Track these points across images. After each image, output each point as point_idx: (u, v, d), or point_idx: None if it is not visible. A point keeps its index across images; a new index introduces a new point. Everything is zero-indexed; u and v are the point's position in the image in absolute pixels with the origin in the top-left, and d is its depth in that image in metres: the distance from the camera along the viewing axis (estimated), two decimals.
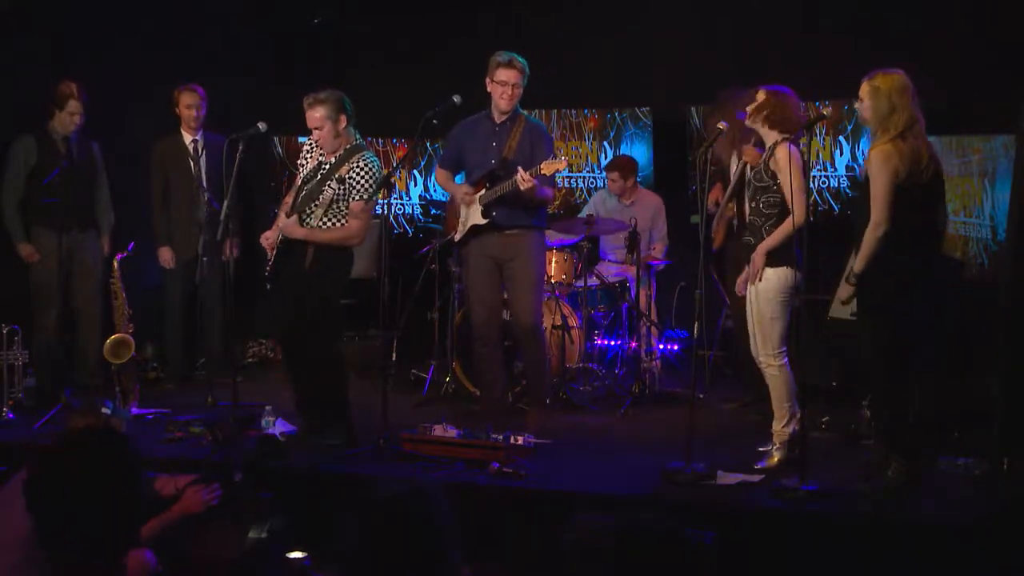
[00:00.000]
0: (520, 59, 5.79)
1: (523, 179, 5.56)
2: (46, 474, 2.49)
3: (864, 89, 4.72)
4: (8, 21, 6.96)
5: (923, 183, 4.62)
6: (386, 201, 5.48)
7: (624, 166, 7.39)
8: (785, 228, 4.98)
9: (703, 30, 7.94)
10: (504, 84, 5.76)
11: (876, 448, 5.12)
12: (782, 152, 4.99)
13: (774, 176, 5.03)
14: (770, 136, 5.10)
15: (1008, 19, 6.59)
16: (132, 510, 2.53)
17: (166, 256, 7.20)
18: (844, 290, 4.82)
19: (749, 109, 5.17)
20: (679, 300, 7.49)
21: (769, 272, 5.04)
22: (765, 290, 5.05)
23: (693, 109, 7.81)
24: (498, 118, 5.87)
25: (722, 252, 6.55)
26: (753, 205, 5.14)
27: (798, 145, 5.01)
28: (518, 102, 5.88)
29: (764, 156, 5.14)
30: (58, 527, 2.44)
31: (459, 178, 6.13)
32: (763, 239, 5.06)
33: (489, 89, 5.83)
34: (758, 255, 5.05)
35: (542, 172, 5.54)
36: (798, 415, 5.01)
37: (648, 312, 7.07)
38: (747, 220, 5.26)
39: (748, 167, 5.35)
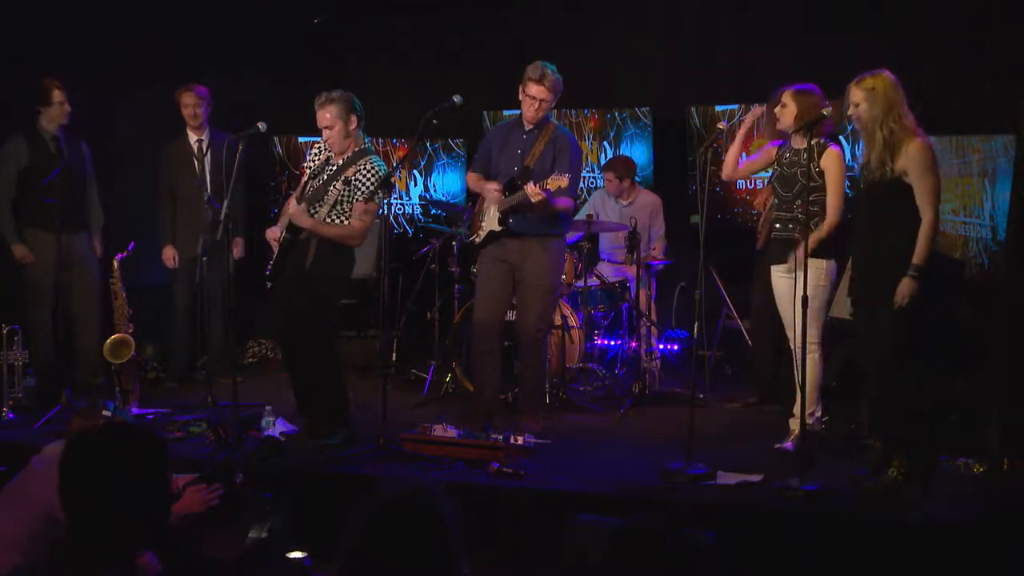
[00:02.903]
0: (554, 75, 5.69)
1: (532, 192, 5.55)
2: (81, 461, 2.49)
3: (857, 94, 4.73)
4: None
5: None
6: (386, 201, 5.49)
7: (620, 166, 7.38)
8: (822, 233, 5.16)
9: (703, 30, 7.95)
10: (532, 98, 5.71)
11: (876, 448, 5.13)
12: (833, 153, 5.18)
13: (822, 175, 5.17)
14: (799, 141, 5.14)
15: (1008, 19, 6.59)
16: (161, 510, 2.54)
17: (168, 255, 7.21)
18: (908, 286, 4.67)
19: (780, 114, 5.23)
20: (679, 300, 7.49)
21: (816, 263, 5.04)
22: (813, 283, 5.02)
23: (693, 109, 7.81)
24: (527, 125, 5.85)
25: (759, 254, 6.54)
26: (799, 203, 5.16)
27: (839, 143, 5.30)
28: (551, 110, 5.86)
29: (804, 156, 5.13)
30: (88, 519, 2.44)
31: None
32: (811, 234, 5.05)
33: (520, 97, 5.79)
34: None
35: (547, 187, 5.52)
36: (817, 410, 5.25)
37: (648, 312, 7.07)
38: (786, 216, 5.29)
39: (780, 164, 5.36)
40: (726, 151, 6.09)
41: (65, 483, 2.48)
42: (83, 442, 2.53)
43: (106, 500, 2.44)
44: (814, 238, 5.06)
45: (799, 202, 5.15)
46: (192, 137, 7.25)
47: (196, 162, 7.23)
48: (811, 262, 5.03)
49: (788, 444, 5.28)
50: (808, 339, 5.10)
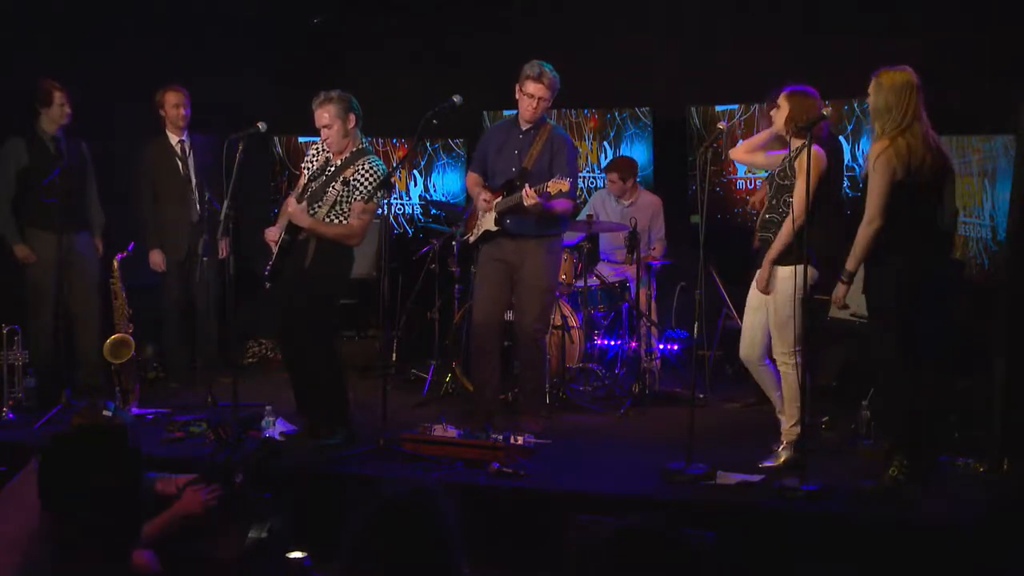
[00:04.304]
0: (551, 73, 5.70)
1: (527, 196, 5.55)
2: (54, 468, 2.50)
3: (871, 86, 4.72)
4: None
5: (922, 182, 4.62)
6: (386, 201, 5.49)
7: (623, 167, 7.39)
8: (784, 231, 4.99)
9: (703, 30, 7.94)
10: (531, 97, 5.70)
11: (877, 447, 5.13)
12: (811, 153, 4.94)
13: (796, 175, 5.03)
14: (796, 142, 5.10)
15: (1008, 19, 6.59)
16: (135, 506, 2.54)
17: (157, 259, 7.17)
18: (839, 290, 4.79)
19: (775, 116, 5.19)
20: (679, 300, 7.49)
21: (785, 271, 5.02)
22: (782, 289, 5.04)
23: (693, 109, 7.81)
24: (523, 126, 5.85)
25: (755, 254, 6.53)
26: (775, 203, 5.13)
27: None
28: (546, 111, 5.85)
29: (790, 155, 5.12)
30: (69, 522, 2.45)
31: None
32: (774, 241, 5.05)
33: (517, 97, 5.78)
34: (767, 264, 5.05)
35: (547, 191, 5.52)
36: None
37: (648, 312, 7.07)
38: (766, 218, 5.22)
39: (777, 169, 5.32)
40: (726, 151, 6.08)
41: (43, 486, 2.50)
42: (58, 446, 2.53)
43: (79, 503, 2.44)
44: (775, 245, 5.02)
45: (775, 201, 5.14)
46: (173, 138, 7.20)
47: (180, 163, 7.20)
48: (780, 270, 5.04)
49: (770, 461, 5.15)
50: (783, 351, 5.10)
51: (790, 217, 4.94)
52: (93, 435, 2.59)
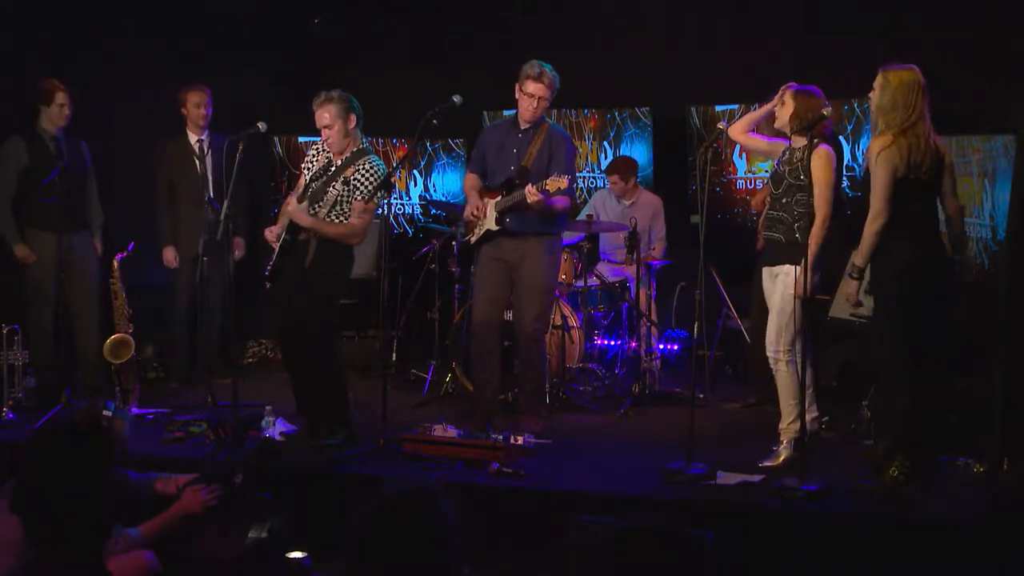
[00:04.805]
0: (551, 73, 5.71)
1: (530, 193, 5.55)
2: (24, 473, 2.50)
3: (877, 80, 4.72)
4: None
5: (921, 179, 4.64)
6: (386, 201, 5.49)
7: (623, 168, 7.39)
8: (815, 232, 4.96)
9: (703, 30, 7.95)
10: (531, 96, 5.71)
11: (877, 447, 5.13)
12: (822, 154, 4.99)
13: (809, 174, 4.99)
14: (798, 140, 5.10)
15: (1008, 19, 6.59)
16: (102, 504, 2.54)
17: (169, 256, 7.20)
18: (849, 286, 4.80)
19: (779, 112, 5.17)
20: (679, 300, 7.50)
21: (792, 269, 5.01)
22: (787, 285, 5.04)
23: (693, 109, 7.81)
24: (523, 125, 5.85)
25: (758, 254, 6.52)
26: (785, 202, 5.11)
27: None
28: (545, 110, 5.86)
29: (797, 155, 5.11)
30: (40, 525, 2.45)
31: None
32: (793, 237, 5.03)
33: (517, 96, 5.79)
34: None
35: (546, 188, 5.52)
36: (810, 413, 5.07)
37: (648, 312, 7.07)
38: (772, 216, 5.20)
39: (777, 163, 5.30)
40: (726, 150, 6.08)
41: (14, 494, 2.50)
42: (25, 452, 2.54)
43: (50, 506, 2.44)
44: (814, 237, 4.96)
45: (785, 200, 5.14)
46: (192, 137, 7.25)
47: (197, 162, 7.22)
48: (787, 268, 5.04)
49: (769, 461, 5.12)
50: (781, 348, 5.10)
51: (819, 217, 4.96)
52: (59, 436, 2.59)
